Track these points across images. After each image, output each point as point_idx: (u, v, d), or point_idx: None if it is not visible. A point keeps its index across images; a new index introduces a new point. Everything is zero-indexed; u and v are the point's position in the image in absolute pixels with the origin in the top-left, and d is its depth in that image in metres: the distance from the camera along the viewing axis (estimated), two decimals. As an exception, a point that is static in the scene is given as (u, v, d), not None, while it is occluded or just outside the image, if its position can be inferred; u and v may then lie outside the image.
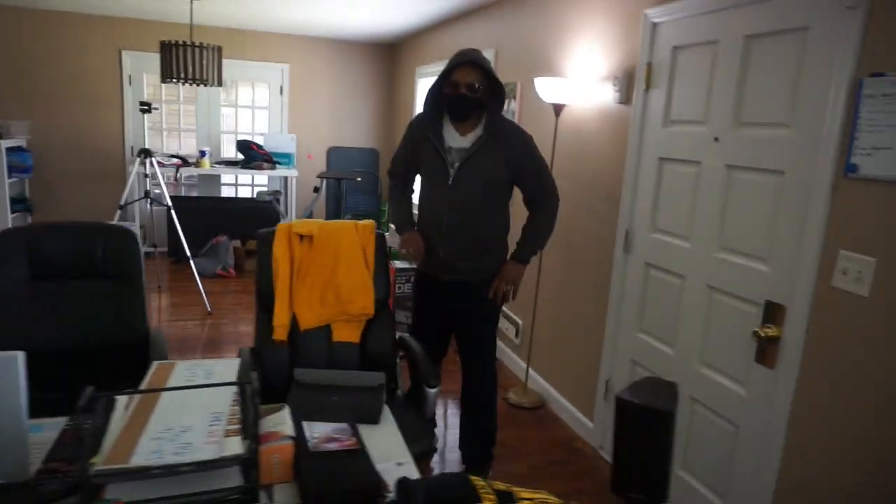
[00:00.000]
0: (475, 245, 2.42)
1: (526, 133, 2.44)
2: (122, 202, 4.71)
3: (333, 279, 2.22)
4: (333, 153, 7.13)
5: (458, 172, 2.34)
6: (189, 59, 4.57)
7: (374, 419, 1.66)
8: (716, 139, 2.30)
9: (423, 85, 5.97)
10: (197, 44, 4.56)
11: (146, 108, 4.70)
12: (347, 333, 2.22)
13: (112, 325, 2.21)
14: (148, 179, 4.75)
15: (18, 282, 2.16)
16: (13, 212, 5.77)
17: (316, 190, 5.92)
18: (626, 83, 2.81)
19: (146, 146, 4.81)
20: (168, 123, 6.72)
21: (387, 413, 1.72)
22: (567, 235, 3.29)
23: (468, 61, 2.26)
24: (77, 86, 6.08)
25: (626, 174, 2.81)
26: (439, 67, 5.51)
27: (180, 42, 4.54)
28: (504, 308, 4.09)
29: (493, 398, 2.66)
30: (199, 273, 4.98)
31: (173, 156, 6.24)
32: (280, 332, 2.15)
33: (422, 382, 2.15)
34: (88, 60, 6.07)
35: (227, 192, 7.07)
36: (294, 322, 2.20)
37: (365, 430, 1.57)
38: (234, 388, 1.33)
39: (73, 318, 2.18)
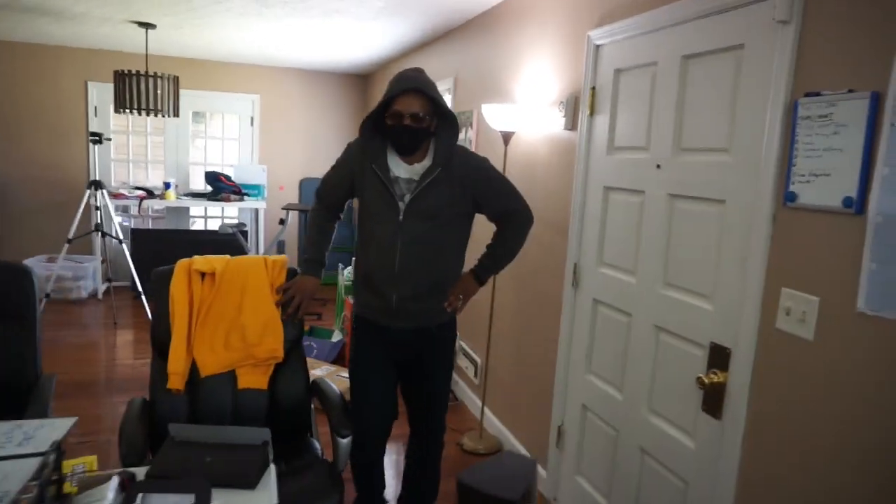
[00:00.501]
0: (433, 287, 2.15)
1: (480, 156, 2.23)
2: (70, 235, 4.53)
3: (239, 320, 2.04)
4: (306, 184, 6.99)
5: (409, 207, 2.05)
6: (143, 89, 4.45)
7: (249, 484, 1.45)
8: (658, 166, 2.13)
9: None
10: (151, 73, 4.44)
11: (97, 138, 4.56)
12: (254, 379, 2.03)
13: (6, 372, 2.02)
14: (99, 212, 4.58)
15: None
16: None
17: (282, 222, 5.75)
18: (573, 108, 2.65)
19: (97, 178, 4.65)
20: (135, 155, 6.58)
21: (269, 477, 1.51)
22: (520, 268, 3.11)
23: (411, 89, 1.99)
24: (43, 117, 5.96)
25: (573, 204, 2.64)
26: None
27: (134, 71, 4.42)
28: (464, 345, 3.91)
29: (440, 452, 2.43)
30: None
31: (138, 188, 6.09)
32: (175, 381, 1.95)
33: (333, 432, 1.94)
34: (55, 92, 5.97)
35: (198, 224, 6.91)
36: (195, 369, 2.00)
37: (237, 498, 1.37)
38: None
39: None
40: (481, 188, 2.14)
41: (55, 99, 5.98)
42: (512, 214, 2.22)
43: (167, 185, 5.90)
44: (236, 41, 5.09)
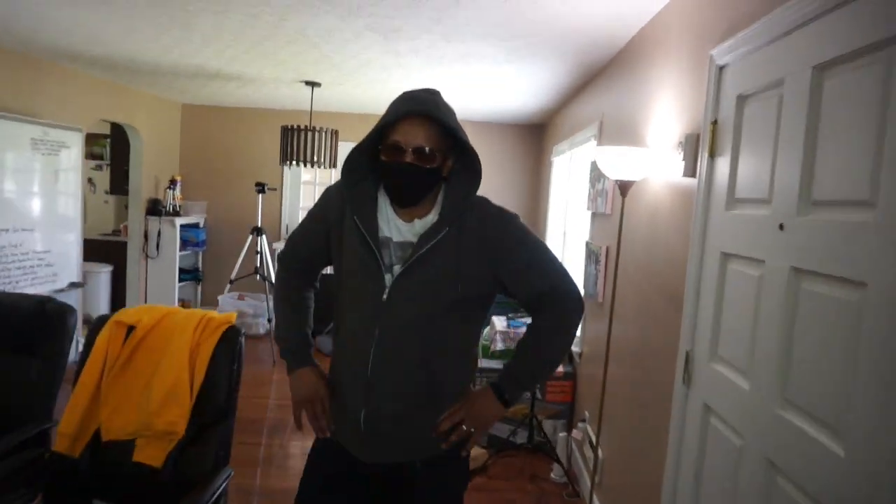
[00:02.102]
0: (421, 404, 1.48)
1: (508, 212, 1.55)
2: (233, 277, 4.90)
3: (150, 382, 1.85)
4: (475, 236, 6.85)
5: (399, 282, 1.43)
6: (305, 143, 4.72)
7: None
8: (780, 227, 1.47)
9: (557, 166, 5.47)
10: (311, 127, 4.70)
11: (261, 188, 4.91)
12: (149, 454, 1.79)
13: (11, 406, 2.08)
14: (258, 256, 4.91)
15: None
16: (181, 281, 6.44)
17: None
18: (693, 149, 2.05)
19: (259, 225, 5.00)
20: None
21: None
22: (628, 334, 2.49)
23: (417, 112, 1.40)
24: (247, 170, 6.72)
25: (689, 272, 2.01)
26: (565, 146, 5.08)
27: (298, 126, 4.72)
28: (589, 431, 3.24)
29: None
30: (319, 350, 4.94)
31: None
32: (62, 443, 1.80)
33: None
34: (257, 148, 6.71)
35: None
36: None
37: None
38: None
39: None
40: (505, 258, 1.47)
41: (257, 155, 6.72)
42: (550, 298, 1.49)
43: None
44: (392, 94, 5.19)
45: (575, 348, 3.86)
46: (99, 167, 7.04)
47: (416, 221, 1.48)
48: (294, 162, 4.75)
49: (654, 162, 2.43)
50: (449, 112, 1.46)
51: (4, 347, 2.15)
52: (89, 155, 7.05)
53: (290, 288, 1.68)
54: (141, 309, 2.00)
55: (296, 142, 4.72)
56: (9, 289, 4.04)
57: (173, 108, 6.54)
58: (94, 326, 1.99)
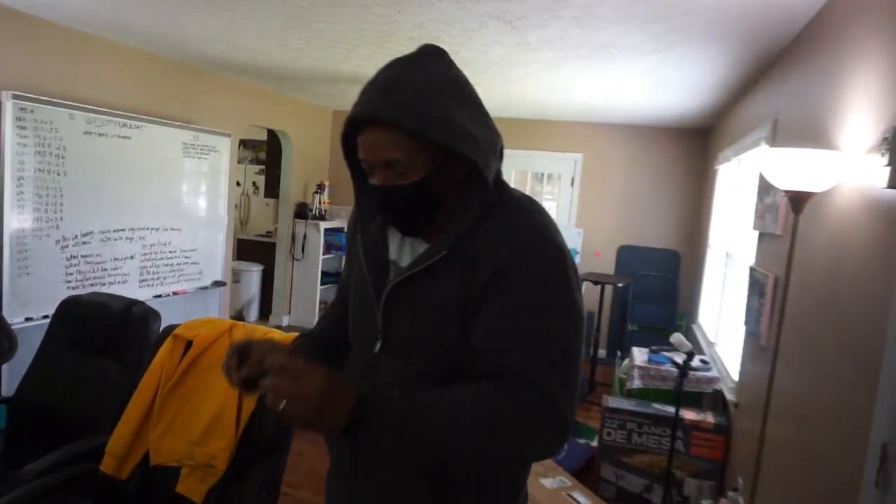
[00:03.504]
0: (429, 491, 1.05)
1: (545, 234, 1.02)
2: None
3: (199, 406, 1.62)
4: (624, 252, 6.21)
5: (387, 319, 1.06)
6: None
7: None
8: None
9: (722, 174, 4.71)
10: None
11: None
12: (191, 486, 1.56)
13: (87, 409, 2.02)
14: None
15: (61, 346, 2.18)
16: (323, 283, 6.59)
17: (574, 292, 5.12)
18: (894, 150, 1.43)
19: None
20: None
21: None
22: (798, 406, 1.87)
23: (364, 117, 0.99)
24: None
25: (890, 327, 1.39)
26: (730, 152, 4.30)
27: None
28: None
29: None
30: None
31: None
32: (109, 463, 1.64)
33: None
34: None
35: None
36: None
37: None
38: None
39: (74, 390, 2.07)
40: (489, 295, 0.99)
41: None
42: (514, 378, 0.94)
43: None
44: (562, 99, 4.80)
45: (730, 396, 3.18)
46: (262, 172, 7.48)
47: (439, 240, 1.05)
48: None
49: (842, 168, 1.80)
50: (421, 99, 0.96)
51: (89, 347, 2.13)
52: (254, 160, 7.54)
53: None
54: (202, 322, 1.85)
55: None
56: (156, 285, 4.29)
57: (324, 115, 6.72)
58: (158, 338, 1.87)
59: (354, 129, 1.03)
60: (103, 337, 2.13)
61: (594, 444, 3.81)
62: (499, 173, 1.07)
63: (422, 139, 0.97)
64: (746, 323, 2.94)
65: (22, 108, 3.20)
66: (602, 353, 6.16)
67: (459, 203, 1.04)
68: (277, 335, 1.76)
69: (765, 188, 2.81)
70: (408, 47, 3.53)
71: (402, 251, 1.11)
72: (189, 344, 1.80)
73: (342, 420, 0.87)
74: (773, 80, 3.11)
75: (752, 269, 2.94)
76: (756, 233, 3.04)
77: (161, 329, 2.02)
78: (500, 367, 0.94)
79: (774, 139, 2.89)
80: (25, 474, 1.66)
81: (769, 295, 2.56)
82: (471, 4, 2.62)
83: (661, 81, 3.80)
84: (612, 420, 3.36)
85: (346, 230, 1.27)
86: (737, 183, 4.08)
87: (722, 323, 4.01)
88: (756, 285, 2.80)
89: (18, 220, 3.25)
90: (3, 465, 2.06)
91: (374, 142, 0.99)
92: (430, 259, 1.01)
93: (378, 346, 1.06)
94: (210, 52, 4.02)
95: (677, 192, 5.99)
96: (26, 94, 3.23)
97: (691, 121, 5.35)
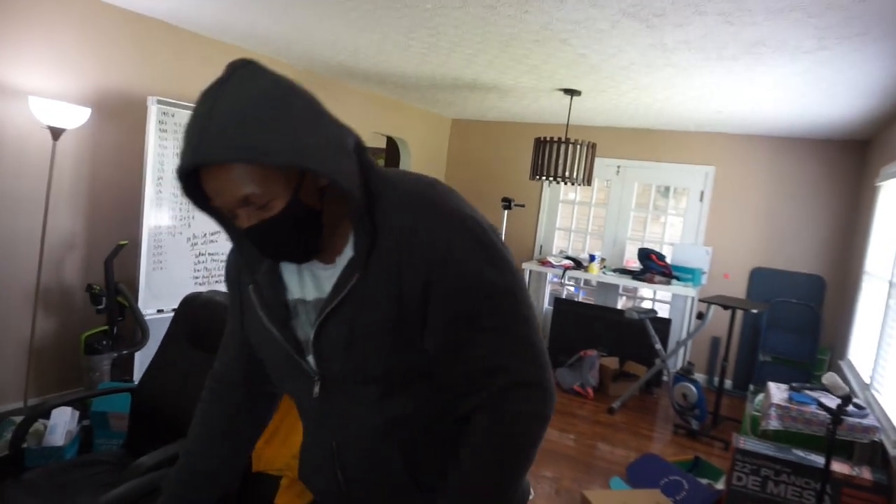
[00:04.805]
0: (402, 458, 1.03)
1: (460, 210, 0.96)
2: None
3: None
4: (758, 275, 5.65)
5: (319, 358, 0.99)
6: (558, 156, 4.31)
7: None
8: None
9: (886, 191, 4.13)
10: (566, 140, 4.27)
11: (507, 203, 4.64)
12: (289, 500, 1.45)
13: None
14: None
15: (181, 341, 2.24)
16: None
17: (700, 316, 4.72)
18: None
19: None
20: (578, 224, 6.60)
21: None
22: None
23: (190, 165, 0.84)
24: (499, 184, 6.59)
25: None
26: (893, 168, 3.75)
27: (552, 138, 4.34)
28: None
29: None
30: (557, 383, 4.53)
31: (567, 257, 6.05)
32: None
33: None
34: (513, 162, 6.55)
35: (626, 302, 6.44)
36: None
37: None
38: None
39: (189, 386, 2.10)
40: (428, 296, 0.93)
41: (508, 168, 6.56)
42: (495, 386, 0.93)
43: (592, 258, 5.66)
44: (692, 110, 4.47)
45: (893, 451, 2.71)
46: (380, 178, 7.66)
47: (338, 260, 0.98)
48: (545, 177, 4.38)
49: None
50: (242, 123, 0.82)
51: (204, 345, 2.17)
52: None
53: (210, 402, 1.20)
54: None
55: (548, 155, 4.34)
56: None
57: (443, 123, 6.74)
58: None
59: (197, 180, 0.89)
60: (217, 336, 2.16)
61: (718, 485, 3.43)
62: (370, 165, 0.95)
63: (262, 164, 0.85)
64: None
65: (164, 112, 3.41)
66: (728, 383, 5.64)
67: (341, 210, 0.95)
68: None
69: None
70: (531, 52, 3.41)
71: (304, 284, 1.01)
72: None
73: None
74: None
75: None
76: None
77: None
78: (470, 375, 0.95)
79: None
80: (138, 467, 1.68)
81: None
82: (604, 1, 2.43)
83: (815, 85, 3.38)
84: (744, 464, 2.99)
85: (225, 282, 1.18)
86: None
87: (882, 363, 3.48)
88: (936, 323, 2.36)
89: (156, 218, 3.46)
90: (126, 450, 2.14)
91: (217, 186, 0.86)
92: (347, 285, 0.94)
93: (316, 388, 1.00)
94: (335, 59, 4.10)
95: (824, 211, 5.37)
96: (168, 100, 3.44)
97: (845, 131, 4.76)
